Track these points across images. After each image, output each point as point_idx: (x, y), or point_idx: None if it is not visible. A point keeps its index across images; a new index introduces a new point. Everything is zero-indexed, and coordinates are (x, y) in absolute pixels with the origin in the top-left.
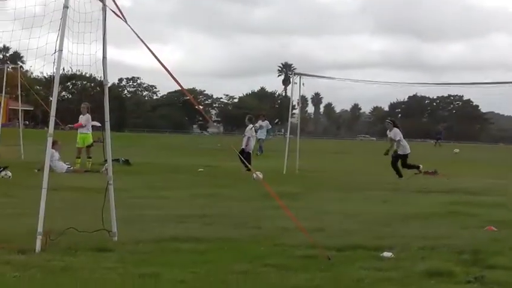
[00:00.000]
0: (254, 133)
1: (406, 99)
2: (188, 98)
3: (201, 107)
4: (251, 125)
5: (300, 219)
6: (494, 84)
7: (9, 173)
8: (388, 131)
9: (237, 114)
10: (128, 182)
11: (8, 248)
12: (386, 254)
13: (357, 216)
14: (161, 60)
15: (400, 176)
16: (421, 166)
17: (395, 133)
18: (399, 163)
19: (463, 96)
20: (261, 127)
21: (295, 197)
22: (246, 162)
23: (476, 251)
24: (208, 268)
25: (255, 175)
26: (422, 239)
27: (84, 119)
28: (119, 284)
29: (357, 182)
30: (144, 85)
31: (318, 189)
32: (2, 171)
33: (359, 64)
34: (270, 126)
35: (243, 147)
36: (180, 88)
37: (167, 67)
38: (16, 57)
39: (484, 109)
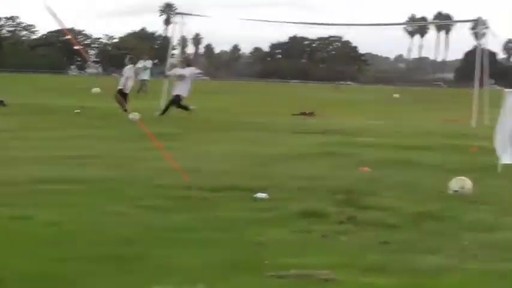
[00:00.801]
0: (133, 74)
1: (287, 41)
2: (68, 37)
3: (81, 46)
4: (131, 65)
5: (176, 160)
6: (372, 26)
7: None
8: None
9: (117, 54)
10: (3, 123)
11: None
12: (261, 195)
13: (231, 156)
14: None
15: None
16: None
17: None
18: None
19: (341, 37)
20: (145, 67)
21: (172, 138)
22: (123, 103)
23: (350, 191)
24: (81, 209)
25: (131, 115)
26: (297, 180)
27: None
28: None
29: (234, 122)
30: (23, 24)
31: (195, 130)
32: None
33: (242, 3)
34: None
35: (121, 87)
36: (60, 28)
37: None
38: None
39: (362, 50)
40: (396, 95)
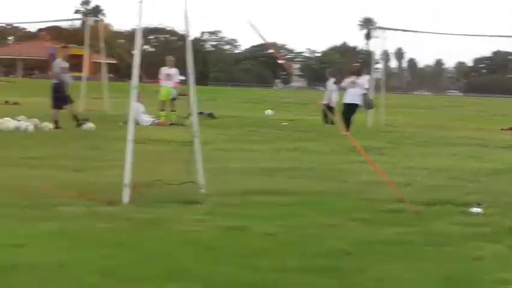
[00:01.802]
0: (336, 88)
1: (490, 55)
2: (272, 51)
3: (284, 60)
4: (332, 79)
5: (386, 174)
6: None
7: (91, 125)
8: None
9: (320, 68)
10: (212, 135)
11: (97, 199)
12: (475, 209)
13: (443, 171)
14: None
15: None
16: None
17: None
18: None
19: None
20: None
21: (380, 152)
22: (331, 116)
23: None
24: (295, 221)
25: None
26: (510, 195)
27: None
28: (206, 236)
29: (443, 137)
30: (226, 39)
31: (403, 144)
32: (83, 124)
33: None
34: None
35: (326, 101)
36: (263, 42)
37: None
38: (97, 10)
39: None
40: None
